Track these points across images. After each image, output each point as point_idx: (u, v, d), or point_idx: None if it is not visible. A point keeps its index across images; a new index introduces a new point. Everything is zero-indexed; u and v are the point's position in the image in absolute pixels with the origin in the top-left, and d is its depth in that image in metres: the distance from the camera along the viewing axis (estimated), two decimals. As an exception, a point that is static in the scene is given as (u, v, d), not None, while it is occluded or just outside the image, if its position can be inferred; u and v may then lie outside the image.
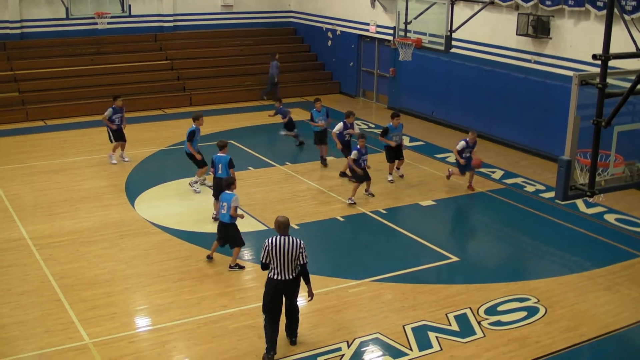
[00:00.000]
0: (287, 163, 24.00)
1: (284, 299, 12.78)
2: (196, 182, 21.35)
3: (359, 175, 20.19)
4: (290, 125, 26.24)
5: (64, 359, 12.88)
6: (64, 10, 33.49)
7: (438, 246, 17.67)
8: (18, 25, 33.89)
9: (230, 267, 16.27)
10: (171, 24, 36.58)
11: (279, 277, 12.47)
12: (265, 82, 34.01)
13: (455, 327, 13.97)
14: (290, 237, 12.47)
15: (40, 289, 15.38)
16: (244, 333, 13.62)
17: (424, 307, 14.74)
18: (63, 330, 13.76)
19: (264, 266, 12.57)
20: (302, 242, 12.54)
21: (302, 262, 12.52)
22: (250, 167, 23.33)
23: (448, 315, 14.39)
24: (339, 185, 21.72)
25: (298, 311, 13.20)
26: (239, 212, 16.16)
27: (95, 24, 33.23)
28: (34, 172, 23.16)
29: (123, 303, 14.91)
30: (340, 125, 22.35)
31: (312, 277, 15.35)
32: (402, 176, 22.88)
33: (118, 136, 23.89)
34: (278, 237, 12.44)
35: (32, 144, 26.34)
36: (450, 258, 17.09)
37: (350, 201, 20.27)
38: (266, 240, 12.46)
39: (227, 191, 16.03)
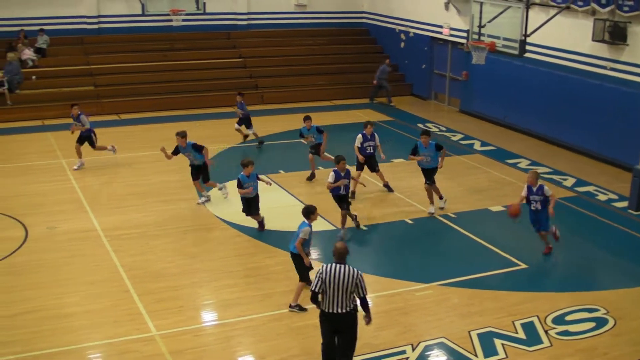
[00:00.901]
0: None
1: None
2: (222, 187, 20.86)
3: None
4: (246, 121, 26.25)
5: (130, 350, 13.03)
6: (140, 6, 34.01)
7: (506, 252, 17.41)
8: (95, 20, 34.50)
9: (291, 306, 14.50)
10: (245, 22, 36.84)
11: (330, 310, 11.28)
12: (364, 82, 34.21)
13: (522, 335, 13.74)
14: (348, 267, 11.27)
15: (110, 280, 15.60)
16: (308, 332, 13.58)
17: (490, 313, 14.53)
18: (130, 321, 13.92)
19: (314, 296, 11.34)
20: (359, 272, 11.31)
21: (361, 295, 11.33)
22: (319, 167, 23.30)
23: (515, 322, 14.16)
24: (409, 188, 21.56)
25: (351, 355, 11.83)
26: (305, 250, 14.58)
27: (170, 20, 33.71)
28: (106, 165, 23.53)
29: (189, 297, 15.03)
30: (359, 137, 20.83)
31: (378, 279, 15.35)
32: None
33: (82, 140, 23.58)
34: (334, 265, 11.30)
35: (106, 137, 26.68)
36: (519, 265, 16.83)
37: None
38: (321, 267, 11.36)
39: (305, 220, 14.54)
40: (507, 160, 24.98)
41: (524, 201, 16.83)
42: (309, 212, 14.53)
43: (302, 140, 23.34)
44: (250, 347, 13.30)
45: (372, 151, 20.90)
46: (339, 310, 11.23)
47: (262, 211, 18.43)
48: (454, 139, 27.47)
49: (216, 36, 36.21)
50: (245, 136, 26.65)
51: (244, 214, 18.20)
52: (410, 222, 19.32)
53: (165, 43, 34.73)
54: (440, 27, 32.66)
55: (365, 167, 21.00)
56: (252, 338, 13.51)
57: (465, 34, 28.51)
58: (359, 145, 20.75)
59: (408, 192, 21.23)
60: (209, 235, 18.17)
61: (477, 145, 26.38)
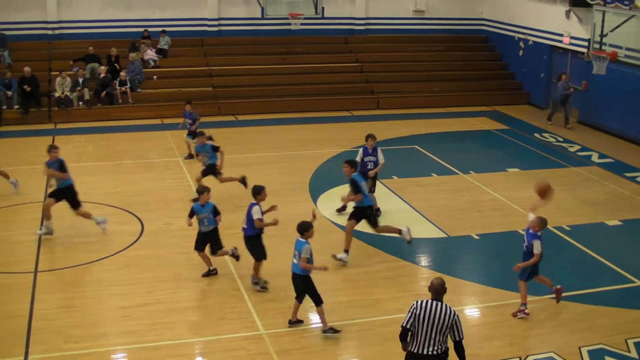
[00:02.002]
0: (472, 172, 23.66)
1: None
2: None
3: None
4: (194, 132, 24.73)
5: (237, 347, 13.25)
6: (259, 10, 34.47)
7: (621, 268, 16.92)
8: (216, 23, 35.21)
9: (324, 331, 13.82)
10: (362, 27, 36.96)
11: (420, 351, 10.33)
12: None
13: (634, 354, 13.32)
14: (445, 305, 10.39)
15: (221, 278, 15.89)
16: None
17: (602, 330, 14.16)
18: (239, 318, 14.15)
19: (404, 333, 10.42)
20: (456, 313, 10.43)
21: (457, 339, 10.40)
22: (433, 174, 23.21)
23: (628, 341, 13.76)
24: (522, 199, 21.21)
25: None
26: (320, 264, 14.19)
27: (289, 24, 34.06)
28: (224, 164, 23.91)
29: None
30: (360, 151, 19.64)
31: (487, 289, 15.16)
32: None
33: None
34: (429, 301, 10.41)
35: (223, 137, 27.11)
36: (634, 282, 16.35)
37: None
38: (415, 302, 10.45)
39: (300, 238, 13.99)
40: (626, 173, 24.32)
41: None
42: (305, 230, 13.96)
43: (197, 159, 21.72)
44: (355, 351, 13.35)
45: (372, 167, 19.47)
46: (429, 352, 10.30)
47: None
48: (571, 150, 26.91)
49: (334, 40, 36.44)
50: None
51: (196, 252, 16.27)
52: (522, 232, 18.96)
53: (283, 46, 35.15)
54: (561, 35, 32.02)
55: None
56: (358, 342, 13.55)
57: (586, 43, 27.95)
58: (359, 160, 19.18)
59: (522, 203, 20.85)
60: (320, 238, 18.11)
61: (594, 157, 25.79)
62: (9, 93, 29.84)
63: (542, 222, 14.62)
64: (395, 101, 33.45)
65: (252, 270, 15.33)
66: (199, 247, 15.94)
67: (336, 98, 32.83)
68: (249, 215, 15.03)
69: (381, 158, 19.48)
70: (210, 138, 21.16)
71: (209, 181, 19.98)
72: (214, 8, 35.10)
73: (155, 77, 32.48)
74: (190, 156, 24.60)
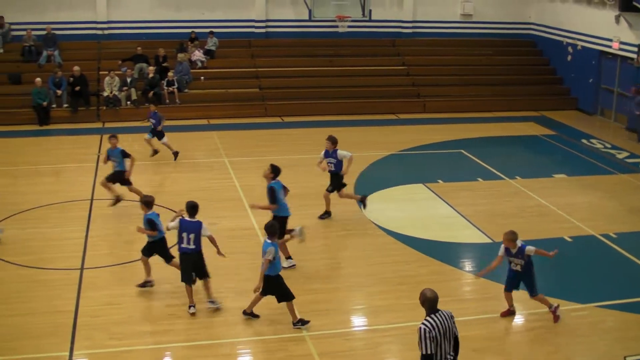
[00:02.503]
0: (517, 177, 23.46)
1: None
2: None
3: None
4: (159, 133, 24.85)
5: (280, 348, 13.30)
6: (307, 12, 34.49)
7: (669, 277, 16.73)
8: (263, 24, 35.35)
9: (294, 324, 13.98)
10: (410, 30, 36.88)
11: None
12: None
13: (681, 363, 13.17)
14: (443, 312, 10.30)
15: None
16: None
17: (648, 339, 14.01)
18: (282, 319, 14.16)
19: (428, 359, 10.12)
20: (451, 312, 10.43)
21: (456, 334, 10.45)
22: (479, 179, 23.09)
23: (675, 350, 13.59)
24: (569, 205, 21.03)
25: None
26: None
27: (336, 26, 34.05)
28: (267, 165, 23.94)
29: (341, 300, 15.17)
30: (321, 154, 19.61)
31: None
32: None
33: None
34: (434, 317, 10.19)
35: (269, 138, 27.40)
36: (682, 291, 16.14)
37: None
38: (423, 327, 10.07)
39: (267, 239, 13.76)
40: (674, 182, 23.98)
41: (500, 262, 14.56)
42: (273, 232, 13.83)
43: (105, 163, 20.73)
44: (397, 355, 13.32)
45: (333, 168, 19.40)
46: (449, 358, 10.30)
47: (420, 221, 18.38)
48: (619, 156, 26.57)
49: (380, 43, 36.38)
50: (155, 151, 24.92)
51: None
52: (569, 239, 18.83)
53: (330, 49, 35.18)
54: (610, 40, 31.65)
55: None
56: (400, 346, 13.51)
57: (635, 49, 27.60)
58: (319, 161, 19.46)
59: (568, 209, 20.68)
60: (364, 240, 18.26)
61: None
62: (59, 92, 30.26)
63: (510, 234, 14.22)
64: (441, 105, 33.30)
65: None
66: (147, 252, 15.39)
67: (382, 101, 32.80)
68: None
69: (344, 154, 19.17)
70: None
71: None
72: (262, 9, 35.26)
73: (202, 77, 32.70)
74: (155, 152, 24.77)
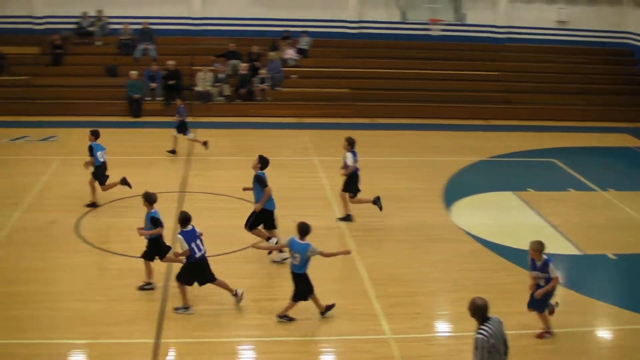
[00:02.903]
0: (610, 189, 22.95)
1: None
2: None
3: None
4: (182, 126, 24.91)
5: (362, 349, 13.30)
6: (400, 14, 34.45)
7: None
8: (356, 25, 35.42)
9: (279, 316, 14.07)
10: (503, 36, 36.46)
11: None
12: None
13: None
14: (494, 318, 10.18)
15: (350, 278, 15.97)
16: (544, 357, 13.28)
17: None
18: (366, 321, 14.17)
19: None
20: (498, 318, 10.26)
21: (505, 339, 10.32)
22: (570, 189, 22.71)
23: None
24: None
25: None
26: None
27: (429, 29, 33.92)
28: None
29: (427, 305, 15.09)
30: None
31: (622, 311, 14.75)
32: None
33: None
34: (488, 325, 10.07)
35: (358, 139, 27.13)
36: None
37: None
38: (481, 337, 9.95)
39: (299, 239, 13.87)
40: None
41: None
42: (307, 232, 13.90)
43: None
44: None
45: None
46: None
47: (508, 229, 18.17)
48: None
49: (473, 48, 36.05)
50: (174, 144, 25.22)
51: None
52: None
53: (422, 52, 35.01)
54: None
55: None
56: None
57: None
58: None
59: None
60: (452, 246, 18.10)
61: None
62: (153, 85, 30.82)
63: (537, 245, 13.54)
64: (532, 112, 32.82)
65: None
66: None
67: (473, 106, 32.51)
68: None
69: (348, 161, 19.11)
70: None
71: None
72: (355, 10, 35.32)
73: (294, 76, 32.91)
74: (173, 151, 24.91)
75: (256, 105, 31.33)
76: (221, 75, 31.49)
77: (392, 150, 26.25)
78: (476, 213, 20.46)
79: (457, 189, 22.28)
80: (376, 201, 19.45)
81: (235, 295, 14.52)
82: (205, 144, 24.97)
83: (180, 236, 14.06)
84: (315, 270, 16.04)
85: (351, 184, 19.28)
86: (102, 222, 18.81)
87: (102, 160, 19.79)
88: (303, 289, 13.91)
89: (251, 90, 31.30)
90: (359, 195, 19.37)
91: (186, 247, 13.96)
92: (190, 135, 25.09)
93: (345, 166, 19.14)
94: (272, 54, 32.53)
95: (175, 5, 34.73)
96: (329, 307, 14.23)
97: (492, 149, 26.75)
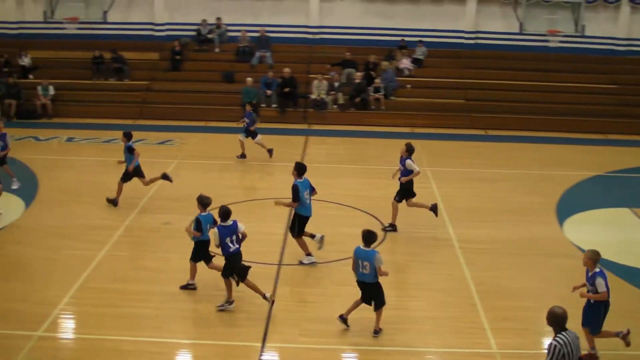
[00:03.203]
0: None
1: None
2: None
3: None
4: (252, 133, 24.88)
5: (470, 363, 13.17)
6: (517, 25, 34.06)
7: None
8: (473, 36, 35.15)
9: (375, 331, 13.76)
10: (623, 48, 35.49)
11: None
12: None
13: None
14: (570, 331, 10.01)
15: (458, 290, 15.79)
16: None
17: None
18: (472, 334, 13.99)
19: None
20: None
21: (580, 356, 10.05)
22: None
23: None
24: None
25: None
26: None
27: (547, 41, 33.36)
28: (468, 177, 23.88)
29: (535, 320, 14.73)
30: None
31: None
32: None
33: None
34: (565, 335, 9.89)
35: (471, 150, 27.17)
36: None
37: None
38: (555, 343, 9.82)
39: (366, 247, 13.54)
40: None
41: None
42: (373, 240, 13.53)
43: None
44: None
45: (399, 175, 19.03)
46: None
47: (623, 246, 17.73)
48: None
49: (591, 60, 35.14)
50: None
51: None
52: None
53: (539, 63, 34.41)
54: None
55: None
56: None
57: None
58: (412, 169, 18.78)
59: None
60: (564, 261, 17.63)
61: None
62: (269, 92, 31.28)
63: (591, 254, 13.05)
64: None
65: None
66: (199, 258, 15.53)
67: (591, 119, 31.73)
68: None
69: (412, 167, 18.76)
70: None
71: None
72: (472, 21, 35.04)
73: (408, 86, 32.88)
74: (243, 156, 24.97)
75: (370, 114, 31.42)
76: (336, 84, 31.69)
77: (505, 163, 25.90)
78: (590, 229, 19.99)
79: (571, 203, 21.81)
80: (390, 227, 19.16)
81: (265, 298, 14.49)
82: (270, 151, 25.24)
83: (216, 230, 14.24)
84: (423, 280, 16.05)
85: (407, 192, 19.02)
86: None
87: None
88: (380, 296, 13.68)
89: (365, 99, 31.41)
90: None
91: (218, 241, 14.15)
92: (258, 138, 25.27)
93: (406, 172, 18.79)
94: (387, 63, 32.59)
95: (293, 14, 35.18)
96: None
97: (608, 164, 26.10)
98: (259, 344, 13.33)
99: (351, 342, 13.66)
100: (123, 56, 33.58)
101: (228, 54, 34.39)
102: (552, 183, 23.55)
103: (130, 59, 33.95)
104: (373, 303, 13.67)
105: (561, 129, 31.01)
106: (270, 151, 25.18)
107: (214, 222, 14.95)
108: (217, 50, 34.57)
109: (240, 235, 14.42)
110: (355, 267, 13.58)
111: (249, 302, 14.77)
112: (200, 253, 15.33)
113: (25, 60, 33.70)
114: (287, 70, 31.44)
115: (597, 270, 12.96)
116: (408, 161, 18.84)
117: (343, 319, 13.84)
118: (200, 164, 24.16)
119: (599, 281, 12.86)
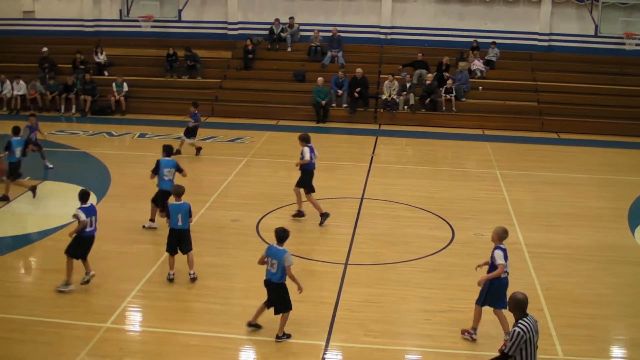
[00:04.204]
0: None
1: None
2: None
3: None
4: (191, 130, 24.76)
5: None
6: (593, 27, 33.55)
7: None
8: (546, 38, 34.69)
9: (278, 337, 13.48)
10: None
11: None
12: None
13: None
14: (531, 316, 10.29)
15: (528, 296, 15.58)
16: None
17: None
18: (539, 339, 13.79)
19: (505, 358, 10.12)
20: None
21: (536, 341, 10.35)
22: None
23: None
24: None
25: None
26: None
27: (623, 44, 32.72)
28: (538, 181, 23.61)
29: (604, 329, 14.55)
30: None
31: None
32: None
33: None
34: (527, 321, 10.15)
35: (542, 154, 26.83)
36: None
37: None
38: (518, 330, 10.03)
39: (279, 245, 13.36)
40: None
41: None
42: (286, 237, 13.44)
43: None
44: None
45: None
46: None
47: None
48: None
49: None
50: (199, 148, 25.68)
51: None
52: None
53: (615, 67, 33.78)
54: None
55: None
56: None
57: None
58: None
59: None
60: (635, 269, 17.30)
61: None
62: (340, 92, 31.32)
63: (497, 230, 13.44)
64: None
65: None
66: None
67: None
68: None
69: (304, 154, 19.46)
70: None
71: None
72: (546, 23, 34.55)
73: (480, 87, 32.60)
74: (177, 151, 24.29)
75: (440, 115, 31.26)
76: (407, 85, 31.59)
77: (578, 167, 25.50)
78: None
79: (644, 210, 21.42)
80: (323, 215, 19.32)
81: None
82: (198, 150, 25.50)
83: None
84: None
85: (304, 180, 19.46)
86: (281, 224, 19.15)
87: None
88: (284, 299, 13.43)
89: (436, 100, 31.25)
90: (314, 196, 19.54)
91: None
92: (192, 140, 25.40)
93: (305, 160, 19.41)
94: (460, 64, 32.38)
95: (365, 15, 35.19)
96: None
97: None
98: (323, 343, 13.38)
99: (414, 344, 13.62)
100: (197, 54, 33.98)
101: (300, 53, 34.55)
102: (624, 188, 23.10)
103: (203, 57, 34.37)
104: (274, 307, 13.47)
105: (635, 134, 30.37)
106: (198, 149, 25.56)
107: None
108: (289, 49, 34.75)
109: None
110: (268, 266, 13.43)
111: (315, 302, 14.83)
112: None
113: (101, 57, 34.41)
114: (358, 70, 31.45)
115: (497, 246, 13.30)
116: (305, 148, 19.46)
117: (251, 325, 13.70)
118: (269, 162, 24.32)
119: (497, 253, 13.19)
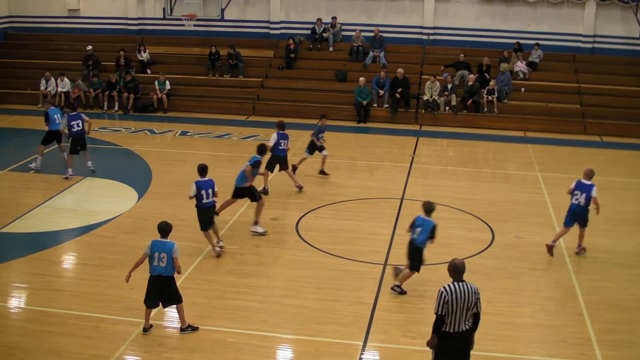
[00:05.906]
0: None
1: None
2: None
3: None
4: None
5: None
6: (637, 29, 33.12)
7: None
8: (590, 40, 34.30)
9: (182, 329, 13.66)
10: None
11: (455, 329, 10.81)
12: None
13: None
14: (467, 284, 10.88)
15: (566, 299, 15.49)
16: None
17: None
18: (578, 344, 13.68)
19: (440, 319, 10.80)
20: (477, 288, 10.98)
21: (477, 311, 10.97)
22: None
23: None
24: None
25: None
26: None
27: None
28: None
29: (642, 334, 14.43)
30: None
31: None
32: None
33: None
34: (456, 284, 10.81)
35: (584, 157, 26.55)
36: None
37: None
38: (442, 289, 10.77)
39: (161, 239, 13.36)
40: None
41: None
42: (169, 231, 13.48)
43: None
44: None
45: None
46: (464, 328, 10.91)
47: None
48: None
49: None
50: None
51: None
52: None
53: (660, 69, 33.39)
54: None
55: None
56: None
57: None
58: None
59: None
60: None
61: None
62: (381, 92, 31.30)
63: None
64: None
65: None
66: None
67: None
68: None
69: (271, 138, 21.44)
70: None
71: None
72: (590, 24, 34.16)
73: (522, 89, 32.36)
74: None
75: (483, 117, 31.08)
76: (449, 85, 31.47)
77: (620, 170, 25.19)
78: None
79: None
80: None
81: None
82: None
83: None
84: (528, 287, 15.79)
85: (270, 162, 21.18)
86: (320, 223, 19.32)
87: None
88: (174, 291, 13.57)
89: (478, 101, 31.09)
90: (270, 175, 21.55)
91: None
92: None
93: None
94: (502, 65, 32.16)
95: (408, 15, 35.11)
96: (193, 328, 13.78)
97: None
98: (361, 343, 13.40)
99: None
100: (239, 53, 34.13)
101: (342, 53, 34.55)
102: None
103: (245, 56, 34.52)
104: (162, 302, 13.51)
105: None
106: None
107: None
108: (331, 49, 34.77)
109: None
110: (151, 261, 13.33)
111: (353, 302, 14.86)
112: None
113: (144, 55, 34.69)
114: (400, 70, 31.38)
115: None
116: (273, 134, 21.36)
117: (146, 330, 13.59)
118: (310, 162, 24.35)
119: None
